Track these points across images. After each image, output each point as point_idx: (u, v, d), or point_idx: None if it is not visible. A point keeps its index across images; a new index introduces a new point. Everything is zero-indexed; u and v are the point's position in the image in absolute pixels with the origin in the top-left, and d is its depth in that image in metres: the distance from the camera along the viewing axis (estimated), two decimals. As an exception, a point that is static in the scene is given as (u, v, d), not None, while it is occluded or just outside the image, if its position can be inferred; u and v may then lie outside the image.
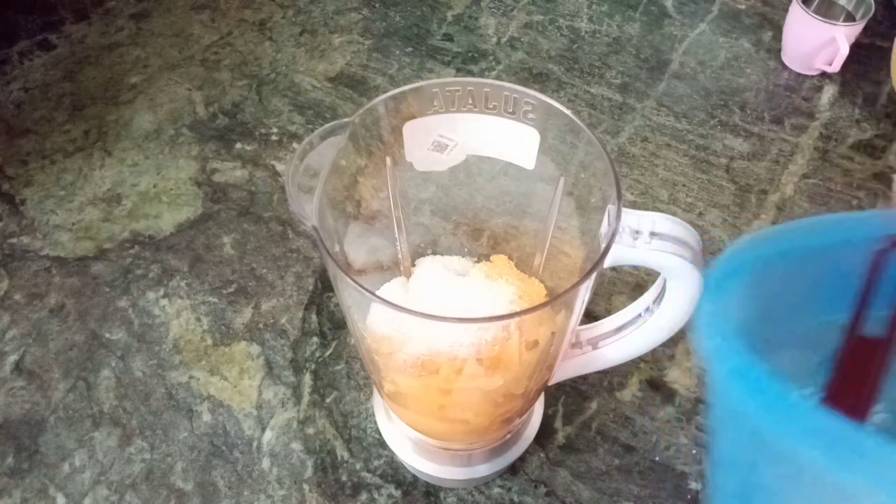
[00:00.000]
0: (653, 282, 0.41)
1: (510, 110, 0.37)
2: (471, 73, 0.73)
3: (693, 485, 0.48)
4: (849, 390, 0.20)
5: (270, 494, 0.48)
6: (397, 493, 0.48)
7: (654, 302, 0.40)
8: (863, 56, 0.73)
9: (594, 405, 0.51)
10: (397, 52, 0.76)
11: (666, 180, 0.64)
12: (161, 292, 0.57)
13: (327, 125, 0.34)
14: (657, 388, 0.52)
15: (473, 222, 0.48)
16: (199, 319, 0.56)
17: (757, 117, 0.69)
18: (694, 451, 0.49)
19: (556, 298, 0.31)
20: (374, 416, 0.50)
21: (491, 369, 0.36)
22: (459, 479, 0.46)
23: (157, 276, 0.58)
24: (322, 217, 0.34)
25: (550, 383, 0.42)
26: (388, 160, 0.40)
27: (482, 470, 0.45)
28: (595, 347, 0.44)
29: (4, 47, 0.76)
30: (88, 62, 0.75)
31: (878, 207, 0.45)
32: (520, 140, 0.37)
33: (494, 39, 0.77)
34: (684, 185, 0.63)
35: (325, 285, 0.58)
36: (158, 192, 0.64)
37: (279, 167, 0.66)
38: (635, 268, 0.58)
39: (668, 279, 0.37)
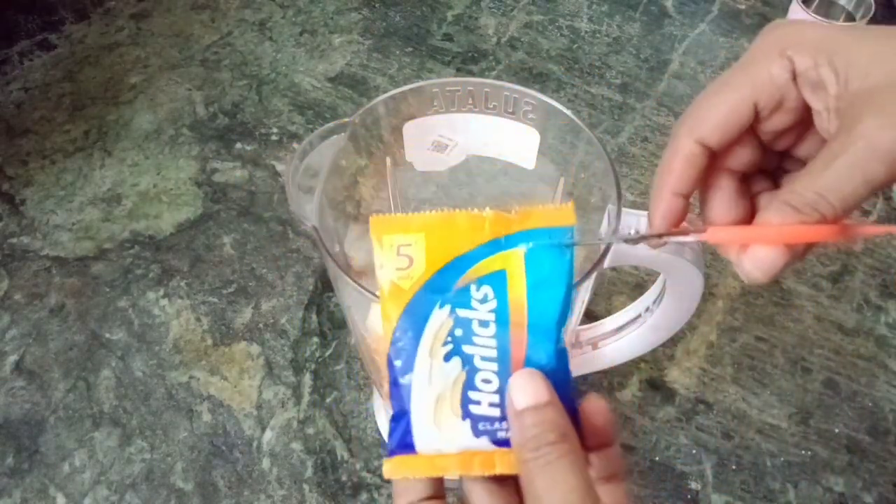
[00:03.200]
0: (653, 282, 0.41)
1: (510, 110, 0.37)
2: (471, 73, 0.73)
3: (693, 485, 0.48)
4: None
5: (270, 494, 0.48)
6: (397, 493, 0.48)
7: (654, 302, 0.40)
8: (863, 56, 0.73)
9: (594, 405, 0.51)
10: (397, 52, 0.76)
11: (666, 180, 0.64)
12: (161, 292, 0.57)
13: (327, 125, 0.34)
14: (657, 388, 0.52)
15: (473, 222, 0.48)
16: (199, 319, 0.56)
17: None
18: (694, 452, 0.49)
19: (556, 298, 0.30)
20: (374, 416, 0.50)
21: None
22: (459, 479, 0.46)
23: (157, 276, 0.58)
24: (322, 217, 0.34)
25: (550, 383, 0.42)
26: (388, 160, 0.40)
27: (482, 470, 0.45)
28: (595, 347, 0.44)
29: (4, 47, 0.76)
30: (88, 62, 0.75)
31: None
32: (520, 140, 0.37)
33: (494, 39, 0.77)
34: (684, 185, 0.63)
35: (325, 285, 0.58)
36: (158, 192, 0.64)
37: (279, 167, 0.66)
38: (635, 268, 0.58)
39: (668, 279, 0.37)
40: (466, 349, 0.24)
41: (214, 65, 0.75)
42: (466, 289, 0.24)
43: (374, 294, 0.30)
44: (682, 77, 0.73)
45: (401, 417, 0.24)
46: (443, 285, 0.24)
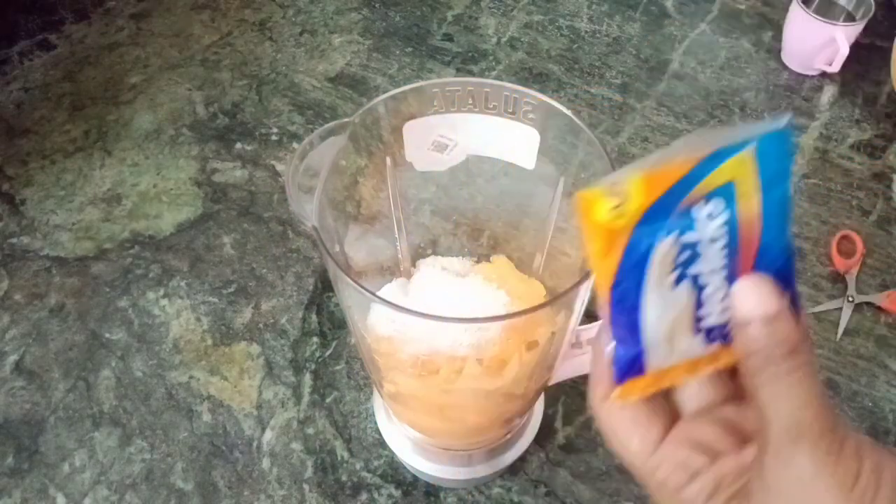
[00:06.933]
0: (653, 282, 0.41)
1: (510, 110, 0.37)
2: (471, 73, 0.73)
3: (693, 485, 0.48)
4: None
5: (270, 494, 0.48)
6: (397, 493, 0.48)
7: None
8: (863, 56, 0.73)
9: (594, 405, 0.51)
10: (397, 52, 0.76)
11: (666, 180, 0.64)
12: (161, 292, 0.57)
13: (327, 125, 0.34)
14: (657, 388, 0.52)
15: (473, 222, 0.48)
16: (199, 319, 0.56)
17: (757, 117, 0.69)
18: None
19: (556, 298, 0.31)
20: (374, 416, 0.50)
21: (491, 369, 0.36)
22: (459, 479, 0.46)
23: (157, 276, 0.58)
24: (322, 217, 0.34)
25: (550, 383, 0.42)
26: (388, 160, 0.40)
27: (482, 470, 0.45)
28: (595, 347, 0.43)
29: (4, 47, 0.76)
30: (88, 62, 0.75)
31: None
32: (520, 140, 0.37)
33: (494, 39, 0.77)
34: (684, 185, 0.63)
35: (325, 285, 0.58)
36: (158, 192, 0.64)
37: (279, 167, 0.66)
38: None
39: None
40: (693, 270, 0.22)
41: (214, 65, 0.75)
42: (688, 211, 0.21)
43: (374, 294, 0.30)
44: (682, 77, 0.73)
45: (629, 351, 0.23)
46: (661, 213, 0.21)
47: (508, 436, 0.45)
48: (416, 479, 0.48)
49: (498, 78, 0.73)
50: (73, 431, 0.50)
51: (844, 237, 0.59)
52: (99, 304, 0.57)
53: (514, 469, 0.48)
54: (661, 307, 0.22)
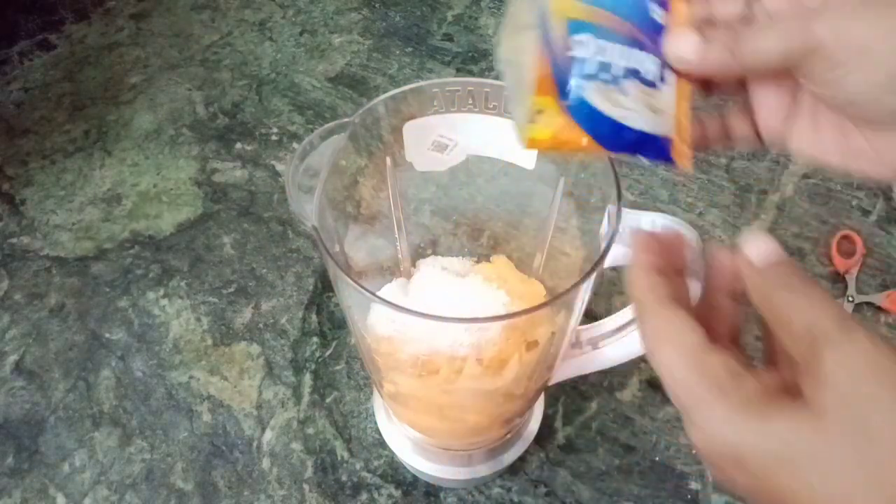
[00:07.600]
0: (653, 282, 0.41)
1: (510, 110, 0.37)
2: (471, 73, 0.73)
3: (693, 485, 0.48)
4: None
5: (270, 494, 0.48)
6: (397, 493, 0.48)
7: (654, 302, 0.40)
8: (863, 56, 0.73)
9: (594, 405, 0.51)
10: (397, 52, 0.76)
11: (666, 180, 0.64)
12: (161, 292, 0.57)
13: (327, 125, 0.34)
14: (657, 388, 0.52)
15: (473, 222, 0.48)
16: (199, 319, 0.56)
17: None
18: (694, 451, 0.49)
19: (556, 298, 0.31)
20: (374, 416, 0.50)
21: (491, 369, 0.36)
22: (459, 479, 0.46)
23: (157, 276, 0.58)
24: (322, 217, 0.34)
25: (550, 383, 0.42)
26: (388, 160, 0.40)
27: (482, 470, 0.45)
28: (595, 347, 0.44)
29: (4, 47, 0.76)
30: (88, 62, 0.75)
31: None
32: (520, 140, 0.37)
33: (494, 39, 0.77)
34: (684, 185, 0.63)
35: (325, 285, 0.58)
36: (158, 192, 0.64)
37: (279, 167, 0.66)
38: (635, 268, 0.57)
39: (668, 279, 0.37)
40: (615, 71, 0.25)
41: (214, 65, 0.75)
42: (571, 58, 0.25)
43: (374, 294, 0.30)
44: (682, 77, 0.73)
45: (661, 152, 0.27)
46: (565, 81, 0.25)
47: (508, 436, 0.45)
48: (416, 479, 0.48)
49: (498, 78, 0.73)
50: (73, 431, 0.50)
51: (844, 237, 0.59)
52: (99, 304, 0.57)
53: (514, 469, 0.48)
54: (636, 109, 0.26)
